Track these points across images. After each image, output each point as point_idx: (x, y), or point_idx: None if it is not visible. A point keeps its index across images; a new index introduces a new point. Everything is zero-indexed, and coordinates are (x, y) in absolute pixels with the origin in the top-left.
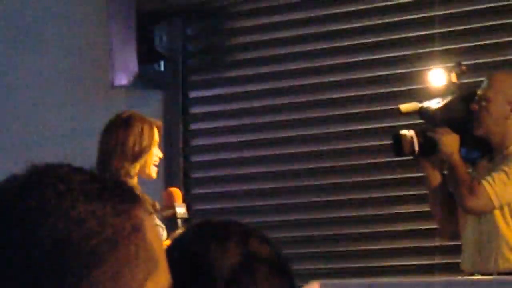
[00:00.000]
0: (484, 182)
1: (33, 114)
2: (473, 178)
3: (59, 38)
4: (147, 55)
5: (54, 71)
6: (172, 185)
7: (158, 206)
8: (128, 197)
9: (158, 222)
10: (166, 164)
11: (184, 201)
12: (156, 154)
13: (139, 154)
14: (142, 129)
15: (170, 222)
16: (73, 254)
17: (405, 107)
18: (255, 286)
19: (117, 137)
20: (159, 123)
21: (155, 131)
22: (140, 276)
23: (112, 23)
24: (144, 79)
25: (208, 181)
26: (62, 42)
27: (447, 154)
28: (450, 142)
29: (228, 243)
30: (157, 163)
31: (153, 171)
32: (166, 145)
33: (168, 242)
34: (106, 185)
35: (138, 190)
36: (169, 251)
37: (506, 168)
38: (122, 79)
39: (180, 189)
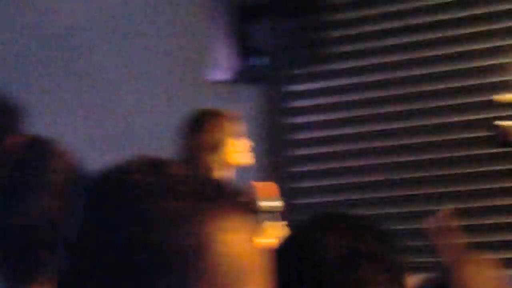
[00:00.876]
0: None
1: (135, 111)
2: None
3: (159, 35)
4: (246, 50)
5: (154, 68)
6: (272, 179)
7: (254, 200)
8: (215, 204)
9: (261, 216)
10: (266, 158)
11: (282, 195)
12: (237, 143)
13: (212, 147)
14: (214, 123)
15: (268, 215)
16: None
17: (501, 98)
18: (358, 281)
19: (191, 134)
20: (235, 113)
21: (229, 121)
22: None
23: (211, 19)
24: (244, 74)
25: (308, 175)
26: (162, 38)
27: None
28: None
29: (337, 235)
30: (242, 151)
31: (239, 159)
32: (266, 140)
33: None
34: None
35: (228, 183)
36: (285, 239)
37: None
38: (221, 75)
39: (280, 183)
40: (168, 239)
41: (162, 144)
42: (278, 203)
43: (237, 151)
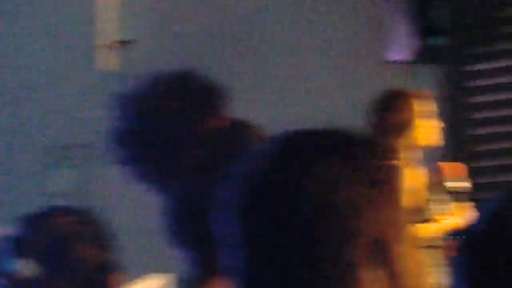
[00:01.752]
0: None
1: (317, 92)
2: None
3: (340, 16)
4: (425, 29)
5: (334, 49)
6: (452, 159)
7: (436, 181)
8: (356, 143)
9: (442, 196)
10: (447, 138)
11: (468, 174)
12: (426, 124)
13: (401, 128)
14: (401, 103)
15: (452, 195)
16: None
17: None
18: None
19: (379, 115)
20: (424, 93)
21: (418, 102)
22: (397, 210)
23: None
24: (423, 54)
25: (488, 154)
26: (342, 20)
27: None
28: None
29: None
30: (432, 132)
31: (429, 140)
32: (445, 120)
33: (447, 216)
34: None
35: (417, 165)
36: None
37: None
38: (401, 55)
39: (463, 163)
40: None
41: (342, 124)
42: (465, 184)
43: (427, 132)
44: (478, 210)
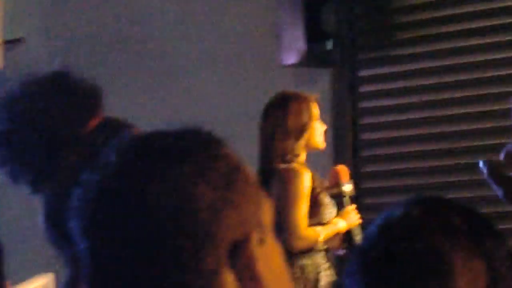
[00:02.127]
0: None
1: (202, 94)
2: None
3: (230, 19)
4: (315, 34)
5: (222, 51)
6: (340, 163)
7: (326, 184)
8: (215, 141)
9: (328, 200)
10: (335, 142)
11: (351, 179)
12: (318, 127)
13: (301, 131)
14: (300, 107)
15: (337, 199)
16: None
17: None
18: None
19: (276, 118)
20: (316, 96)
21: (313, 105)
22: (257, 209)
23: (280, 3)
24: (312, 58)
25: (377, 159)
26: (231, 22)
27: None
28: None
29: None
30: (322, 135)
31: (319, 143)
32: (334, 123)
33: (337, 219)
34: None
35: (306, 168)
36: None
37: None
38: (290, 58)
39: (349, 167)
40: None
41: (236, 128)
42: (351, 187)
43: (319, 135)
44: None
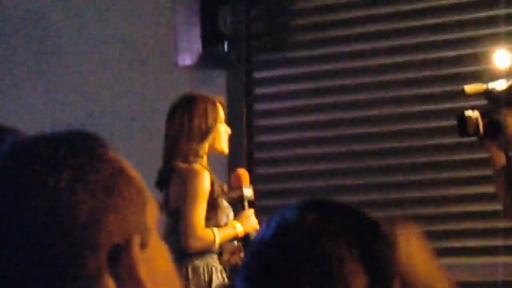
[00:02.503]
0: None
1: (98, 94)
2: None
3: (124, 19)
4: (211, 35)
5: (118, 52)
6: (235, 166)
7: (225, 188)
8: (98, 143)
9: (225, 204)
10: (230, 145)
11: (251, 181)
12: (223, 130)
13: (206, 133)
14: (205, 108)
15: (236, 203)
16: (71, 219)
17: (470, 88)
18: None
19: (182, 119)
20: (221, 99)
21: (219, 107)
22: (140, 212)
23: (176, 4)
24: (208, 60)
25: (272, 161)
26: (127, 22)
27: (511, 135)
28: None
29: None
30: (226, 138)
31: (224, 147)
32: (229, 126)
33: (235, 222)
34: (74, 145)
35: (208, 170)
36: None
37: None
38: (186, 60)
39: (245, 170)
40: None
41: (131, 128)
42: (251, 191)
43: (223, 138)
44: (268, 221)
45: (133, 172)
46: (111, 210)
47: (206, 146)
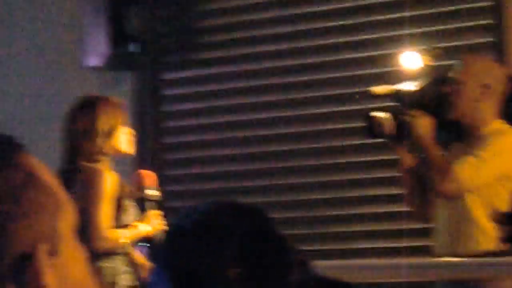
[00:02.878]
0: (455, 167)
1: (4, 93)
2: (445, 162)
3: (32, 20)
4: (118, 37)
5: (26, 53)
6: (143, 167)
7: (128, 189)
8: (12, 149)
9: (131, 203)
10: (137, 146)
11: (157, 184)
12: (125, 131)
13: (108, 134)
14: (108, 110)
15: (141, 203)
16: None
17: (378, 89)
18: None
19: (85, 120)
20: (121, 101)
21: (120, 109)
22: (50, 219)
23: (84, 5)
24: (116, 61)
25: (179, 162)
26: (34, 23)
27: (419, 137)
28: (422, 125)
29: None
30: (129, 139)
31: (125, 147)
32: (137, 127)
33: (138, 223)
34: None
35: (110, 170)
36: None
37: (477, 152)
38: (94, 61)
39: (151, 171)
40: None
41: (38, 129)
42: (158, 192)
43: (125, 139)
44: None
45: (47, 177)
46: (18, 218)
47: (109, 147)
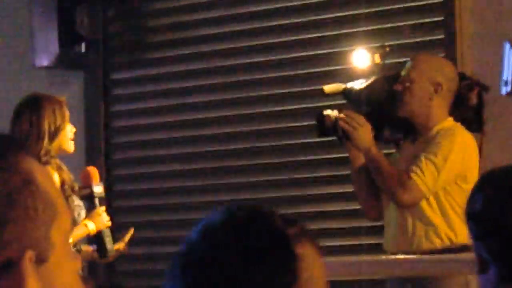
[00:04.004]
0: (413, 175)
1: None
2: (400, 171)
3: None
4: (68, 36)
5: None
6: (92, 166)
7: (76, 187)
8: (12, 151)
9: (77, 201)
10: (87, 145)
11: (103, 181)
12: (69, 130)
13: (55, 133)
14: (53, 109)
15: (87, 201)
16: None
17: (329, 88)
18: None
19: (31, 120)
20: (65, 99)
21: (65, 108)
22: (43, 227)
23: (33, 5)
24: (65, 61)
25: (129, 162)
26: None
27: (363, 149)
28: (363, 136)
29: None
30: (72, 137)
31: (70, 146)
32: (87, 126)
33: (86, 221)
34: None
35: (61, 168)
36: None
37: (432, 157)
38: (44, 60)
39: (101, 171)
40: None
41: None
42: (101, 189)
43: (69, 137)
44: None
45: (46, 182)
46: (10, 222)
47: (55, 146)
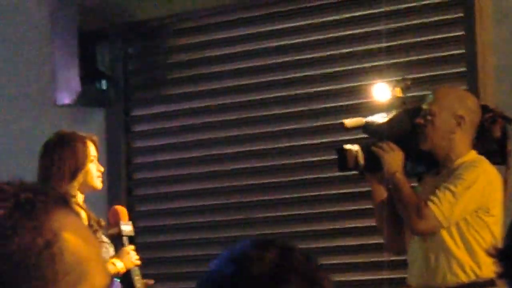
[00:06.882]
0: (430, 204)
1: None
2: (419, 199)
3: (3, 57)
4: (89, 74)
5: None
6: (115, 203)
7: (103, 223)
8: (44, 207)
9: (105, 239)
10: (109, 183)
11: (129, 219)
12: (95, 168)
13: (75, 172)
14: (75, 147)
15: (116, 240)
16: None
17: (349, 121)
18: None
19: (52, 158)
20: (94, 137)
21: (89, 146)
22: None
23: (54, 42)
24: (87, 98)
25: (151, 198)
26: (5, 61)
27: (389, 173)
28: (393, 160)
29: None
30: (100, 175)
31: (96, 183)
32: (109, 163)
33: (115, 260)
34: (19, 200)
35: (83, 208)
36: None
37: (452, 187)
38: (65, 98)
39: (123, 207)
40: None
41: (9, 168)
42: (130, 227)
43: (95, 175)
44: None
45: (76, 241)
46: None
47: (76, 185)
